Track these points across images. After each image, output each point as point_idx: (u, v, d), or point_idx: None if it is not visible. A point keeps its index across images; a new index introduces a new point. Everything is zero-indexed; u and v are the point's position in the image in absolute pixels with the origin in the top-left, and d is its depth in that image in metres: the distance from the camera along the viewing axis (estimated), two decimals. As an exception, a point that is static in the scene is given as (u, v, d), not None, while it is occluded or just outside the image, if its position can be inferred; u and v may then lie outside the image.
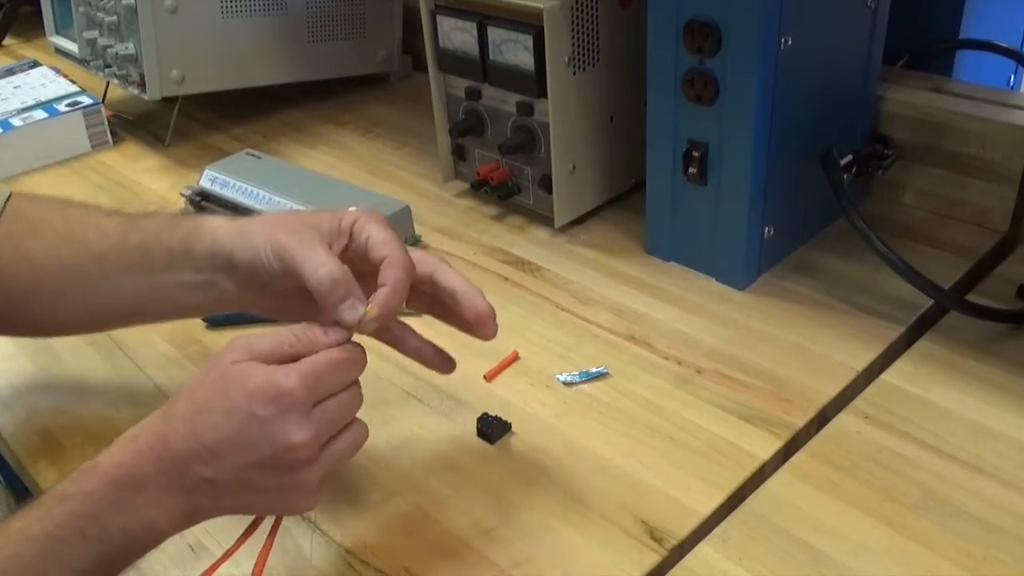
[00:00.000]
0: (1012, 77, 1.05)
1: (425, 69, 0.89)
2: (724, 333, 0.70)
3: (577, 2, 0.76)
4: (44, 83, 1.16)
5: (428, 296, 0.54)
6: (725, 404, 0.63)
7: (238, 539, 0.49)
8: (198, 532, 0.54)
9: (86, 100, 1.10)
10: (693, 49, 0.69)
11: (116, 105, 1.17)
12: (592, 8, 0.78)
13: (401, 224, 0.82)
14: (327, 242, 0.51)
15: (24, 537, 0.42)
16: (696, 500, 0.56)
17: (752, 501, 0.56)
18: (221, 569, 0.49)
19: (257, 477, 0.45)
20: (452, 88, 0.88)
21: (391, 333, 0.54)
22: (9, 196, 0.60)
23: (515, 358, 0.69)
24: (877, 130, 0.81)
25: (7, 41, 1.50)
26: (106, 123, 1.10)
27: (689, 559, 0.52)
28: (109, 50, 1.03)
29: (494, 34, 0.80)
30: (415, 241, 0.84)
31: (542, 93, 0.79)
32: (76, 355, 0.72)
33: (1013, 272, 0.73)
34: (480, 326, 0.53)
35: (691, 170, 0.73)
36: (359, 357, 0.49)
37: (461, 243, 0.85)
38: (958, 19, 0.92)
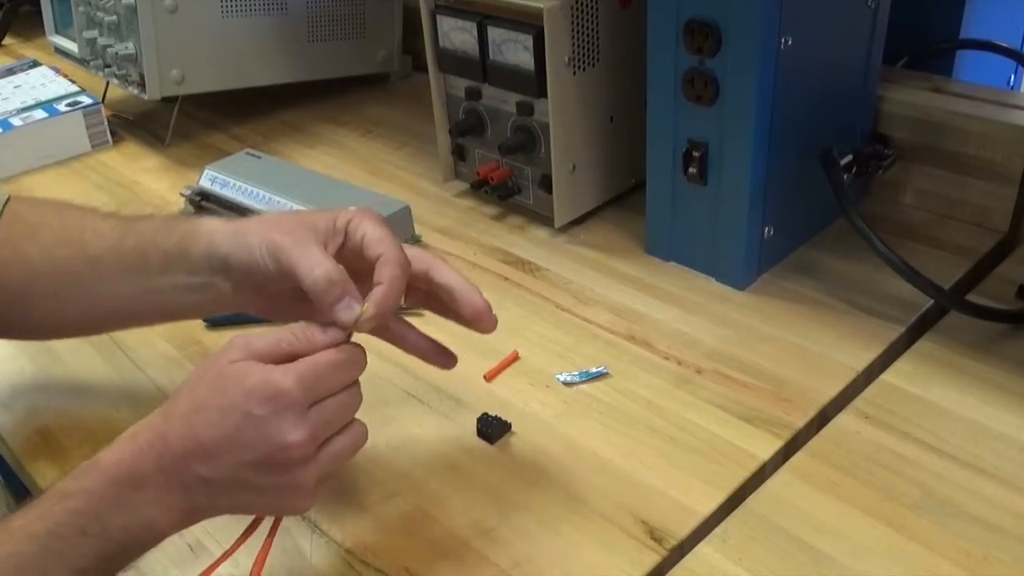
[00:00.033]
0: (1012, 77, 1.05)
1: (425, 69, 0.89)
2: (724, 333, 0.70)
3: (577, 2, 0.76)
4: (44, 83, 1.16)
5: (424, 293, 0.54)
6: (725, 404, 0.63)
7: (237, 539, 0.49)
8: (197, 532, 0.54)
9: (86, 100, 1.10)
10: (693, 49, 0.69)
11: (116, 105, 1.17)
12: (592, 8, 0.78)
13: (401, 224, 0.82)
14: (322, 242, 0.50)
15: (25, 535, 0.43)
16: (696, 500, 0.56)
17: (752, 501, 0.56)
18: (220, 569, 0.49)
19: (253, 476, 0.45)
20: (452, 88, 0.88)
21: (390, 331, 0.54)
22: (8, 199, 0.60)
23: (515, 358, 0.69)
24: (877, 130, 0.81)
25: (7, 41, 1.50)
26: (106, 123, 1.10)
27: (689, 559, 0.52)
28: (109, 50, 1.03)
29: (494, 34, 0.80)
30: (415, 241, 0.84)
31: (542, 93, 0.79)
32: (76, 355, 0.72)
33: (1013, 272, 0.73)
34: (478, 321, 0.53)
35: (691, 170, 0.73)
36: (358, 358, 0.49)
37: (461, 243, 0.85)
38: (958, 19, 0.92)
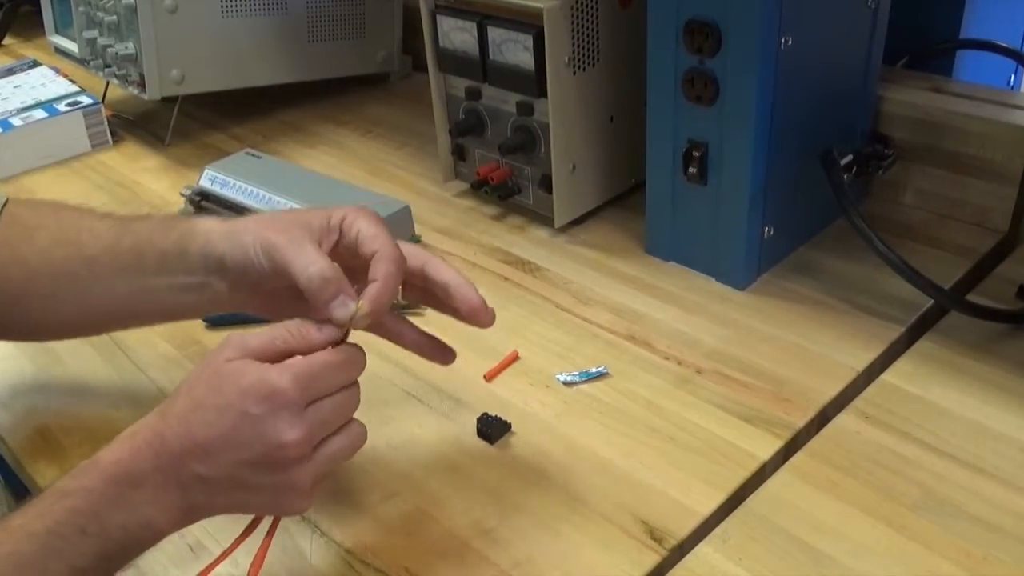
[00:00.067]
0: (1012, 77, 1.05)
1: (425, 69, 0.89)
2: (724, 333, 0.70)
3: (577, 2, 0.76)
4: (44, 83, 1.16)
5: (420, 289, 0.54)
6: (725, 404, 0.63)
7: (236, 539, 0.49)
8: (197, 531, 0.54)
9: (86, 100, 1.10)
10: (693, 49, 0.69)
11: (116, 105, 1.17)
12: (592, 8, 0.78)
13: (401, 224, 0.82)
14: (317, 240, 0.50)
15: (25, 534, 0.43)
16: (696, 500, 0.56)
17: (752, 501, 0.56)
18: (219, 568, 0.49)
19: (249, 475, 0.45)
20: (452, 88, 0.88)
21: (387, 328, 0.54)
22: (6, 201, 0.60)
23: (515, 358, 0.69)
24: (877, 130, 0.81)
25: (7, 41, 1.50)
26: (106, 123, 1.10)
27: (689, 559, 0.52)
28: (109, 50, 1.03)
29: (494, 34, 0.80)
30: (415, 241, 0.84)
31: (542, 93, 0.79)
32: (76, 355, 0.72)
33: (1013, 272, 0.73)
34: (474, 317, 0.53)
35: (691, 170, 0.73)
36: (357, 359, 0.49)
37: (461, 243, 0.85)
38: (958, 19, 0.92)
